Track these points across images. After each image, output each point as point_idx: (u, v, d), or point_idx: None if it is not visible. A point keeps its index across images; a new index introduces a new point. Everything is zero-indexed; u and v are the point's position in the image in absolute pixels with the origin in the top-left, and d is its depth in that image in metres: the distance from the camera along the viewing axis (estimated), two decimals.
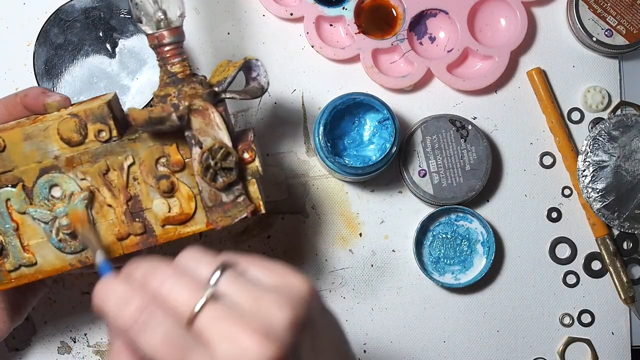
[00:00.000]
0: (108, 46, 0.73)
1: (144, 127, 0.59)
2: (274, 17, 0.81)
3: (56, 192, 0.61)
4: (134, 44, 0.73)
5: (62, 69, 0.73)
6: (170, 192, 0.61)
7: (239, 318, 0.43)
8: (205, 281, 0.45)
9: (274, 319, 0.44)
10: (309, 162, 0.81)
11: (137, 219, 0.62)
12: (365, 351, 0.81)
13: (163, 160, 0.61)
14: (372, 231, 0.81)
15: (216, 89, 0.62)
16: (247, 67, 0.64)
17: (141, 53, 0.73)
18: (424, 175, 0.78)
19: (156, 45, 0.61)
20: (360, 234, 0.81)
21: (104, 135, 0.60)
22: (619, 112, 0.82)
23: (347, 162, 0.76)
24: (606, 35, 0.80)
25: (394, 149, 0.74)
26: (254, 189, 0.62)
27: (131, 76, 0.73)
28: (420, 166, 0.78)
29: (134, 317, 0.44)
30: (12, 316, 0.68)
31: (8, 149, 0.60)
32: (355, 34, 0.79)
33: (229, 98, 0.62)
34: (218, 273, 0.45)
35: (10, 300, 0.68)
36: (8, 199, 0.61)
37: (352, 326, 0.81)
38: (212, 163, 0.59)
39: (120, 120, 0.61)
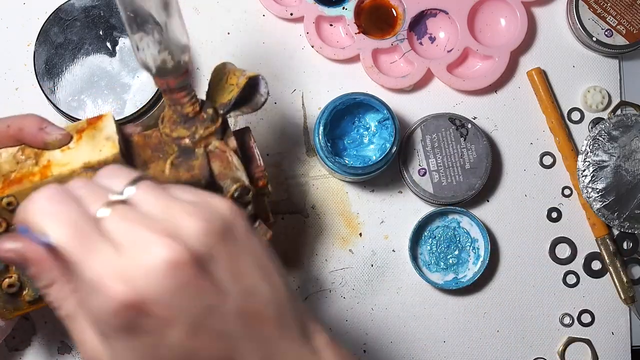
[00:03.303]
0: (108, 45, 0.73)
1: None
2: (274, 17, 0.81)
3: None
4: None
5: (62, 68, 0.73)
6: None
7: (147, 220, 0.43)
8: (119, 191, 0.45)
9: (183, 226, 0.43)
10: (309, 162, 0.81)
11: None
12: (365, 351, 0.81)
13: None
14: (372, 231, 0.81)
15: (220, 111, 0.61)
16: (249, 84, 0.63)
17: None
18: (424, 174, 0.78)
19: (165, 90, 0.59)
20: (360, 234, 0.81)
21: None
22: (619, 112, 0.82)
23: (347, 162, 0.76)
24: (606, 35, 0.80)
25: (394, 148, 0.74)
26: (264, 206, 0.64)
27: (132, 74, 0.73)
28: (420, 165, 0.78)
29: (43, 202, 0.44)
30: None
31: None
32: (355, 34, 0.79)
33: (233, 116, 0.63)
34: (132, 186, 0.45)
35: None
36: None
37: (352, 326, 0.81)
38: None
39: (123, 148, 0.59)
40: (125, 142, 0.60)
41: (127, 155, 0.60)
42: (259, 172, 0.62)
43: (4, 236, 0.48)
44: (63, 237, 0.43)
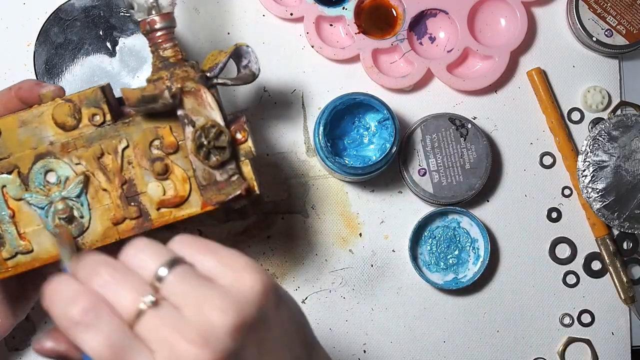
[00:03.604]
0: (108, 45, 0.73)
1: (136, 106, 0.59)
2: (274, 17, 0.81)
3: (51, 177, 0.61)
4: (134, 42, 0.73)
5: (62, 68, 0.73)
6: (164, 174, 0.61)
7: (179, 325, 0.44)
8: (150, 279, 0.45)
9: (215, 324, 0.44)
10: (309, 162, 0.81)
11: (132, 203, 0.62)
12: (365, 351, 0.81)
13: (157, 142, 0.61)
14: (372, 231, 0.81)
15: (208, 74, 0.62)
16: (238, 53, 0.65)
17: (142, 51, 0.73)
18: (424, 174, 0.78)
19: (148, 31, 0.62)
20: (360, 234, 0.81)
21: (98, 119, 0.61)
22: (619, 112, 0.82)
23: (347, 162, 0.76)
24: (606, 35, 0.80)
25: (394, 149, 0.74)
26: (247, 169, 0.62)
27: (132, 74, 0.73)
28: (420, 165, 0.78)
29: (78, 318, 0.44)
30: (15, 311, 0.69)
31: (3, 136, 0.61)
32: (355, 34, 0.79)
33: (221, 84, 0.63)
34: (164, 270, 0.45)
35: (13, 294, 0.68)
36: (4, 186, 0.61)
37: (352, 326, 0.81)
38: (205, 142, 0.59)
39: (114, 107, 0.62)
40: (120, 102, 0.63)
41: (116, 106, 0.63)
42: (238, 126, 0.62)
43: (46, 334, 0.50)
44: (100, 356, 0.44)
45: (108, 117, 0.61)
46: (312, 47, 0.80)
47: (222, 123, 0.60)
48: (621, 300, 0.81)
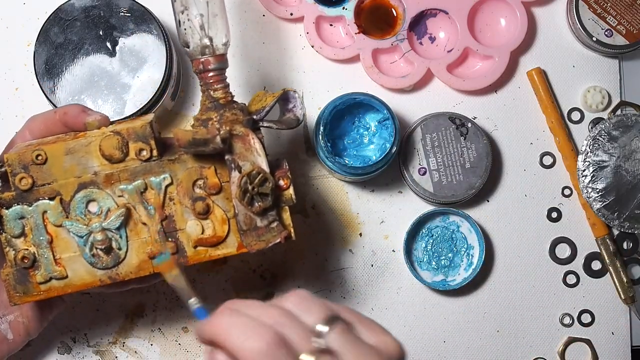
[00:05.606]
0: (108, 45, 0.73)
1: (186, 148, 0.60)
2: (274, 17, 0.81)
3: (93, 207, 0.62)
4: (134, 43, 0.73)
5: (62, 68, 0.73)
6: (205, 214, 0.62)
7: None
8: (313, 329, 0.48)
9: None
10: (309, 162, 0.81)
11: (170, 239, 0.63)
12: None
13: (200, 182, 0.62)
14: (372, 231, 0.81)
15: (255, 117, 0.63)
16: (284, 97, 0.66)
17: (141, 51, 0.73)
18: (424, 173, 0.78)
19: (201, 71, 0.63)
20: (360, 234, 0.81)
21: (145, 154, 0.61)
22: (619, 112, 0.82)
23: (347, 162, 0.76)
24: (606, 35, 0.80)
25: (394, 148, 0.75)
26: (286, 215, 0.63)
27: (132, 74, 0.73)
28: (420, 164, 0.78)
29: (265, 348, 0.46)
30: (29, 330, 0.69)
31: (49, 162, 0.61)
32: (355, 34, 0.79)
33: (266, 127, 0.64)
34: (326, 326, 0.48)
35: (29, 314, 0.69)
36: (45, 212, 0.62)
37: None
38: (250, 188, 0.60)
39: (159, 142, 0.63)
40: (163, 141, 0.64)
41: (160, 140, 0.63)
42: (281, 172, 0.63)
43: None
44: None
45: (155, 152, 0.61)
46: (312, 47, 0.80)
47: (267, 170, 0.61)
48: (621, 300, 0.81)
